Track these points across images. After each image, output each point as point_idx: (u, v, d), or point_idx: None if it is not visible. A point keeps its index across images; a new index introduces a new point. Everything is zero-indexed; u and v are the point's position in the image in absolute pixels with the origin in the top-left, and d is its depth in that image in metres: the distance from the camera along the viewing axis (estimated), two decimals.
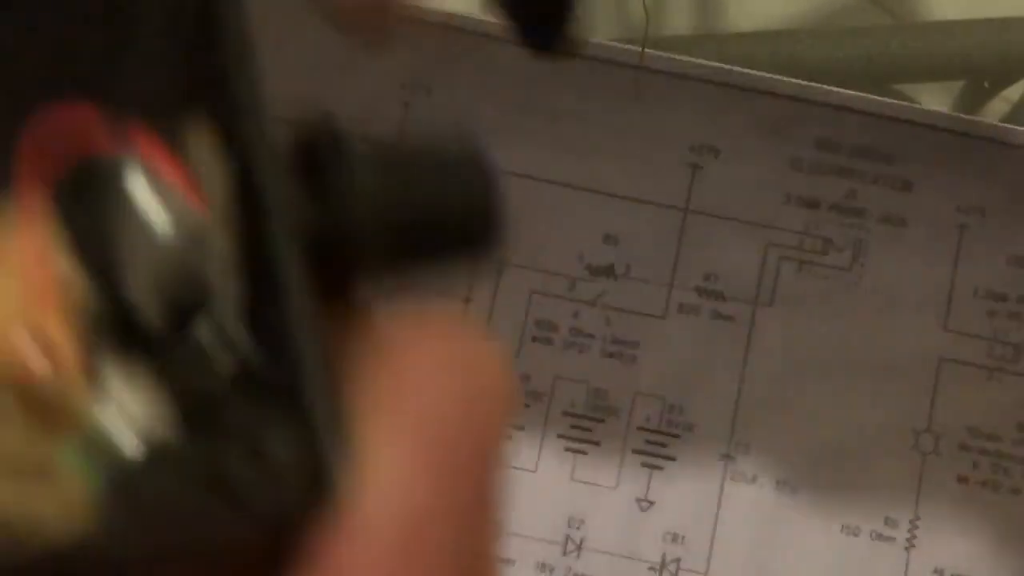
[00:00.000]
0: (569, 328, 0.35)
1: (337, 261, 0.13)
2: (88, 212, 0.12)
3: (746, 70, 0.36)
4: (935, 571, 0.34)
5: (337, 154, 0.13)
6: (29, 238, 0.12)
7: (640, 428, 0.35)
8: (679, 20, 0.43)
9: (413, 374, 0.13)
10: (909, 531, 0.34)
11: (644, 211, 0.35)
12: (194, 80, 0.13)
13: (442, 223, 0.14)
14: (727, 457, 0.35)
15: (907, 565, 0.34)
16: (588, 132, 0.35)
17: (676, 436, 0.35)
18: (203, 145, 0.13)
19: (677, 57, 0.35)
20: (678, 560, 0.34)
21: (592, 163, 0.35)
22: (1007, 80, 0.40)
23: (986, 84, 0.41)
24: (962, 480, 0.35)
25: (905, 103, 0.36)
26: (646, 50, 0.35)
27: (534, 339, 0.35)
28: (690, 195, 0.35)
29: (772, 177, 0.35)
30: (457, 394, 0.13)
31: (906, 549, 0.34)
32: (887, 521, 0.35)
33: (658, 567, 0.34)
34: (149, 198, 0.12)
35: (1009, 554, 0.35)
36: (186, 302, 0.12)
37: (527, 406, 0.35)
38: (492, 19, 0.35)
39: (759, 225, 0.35)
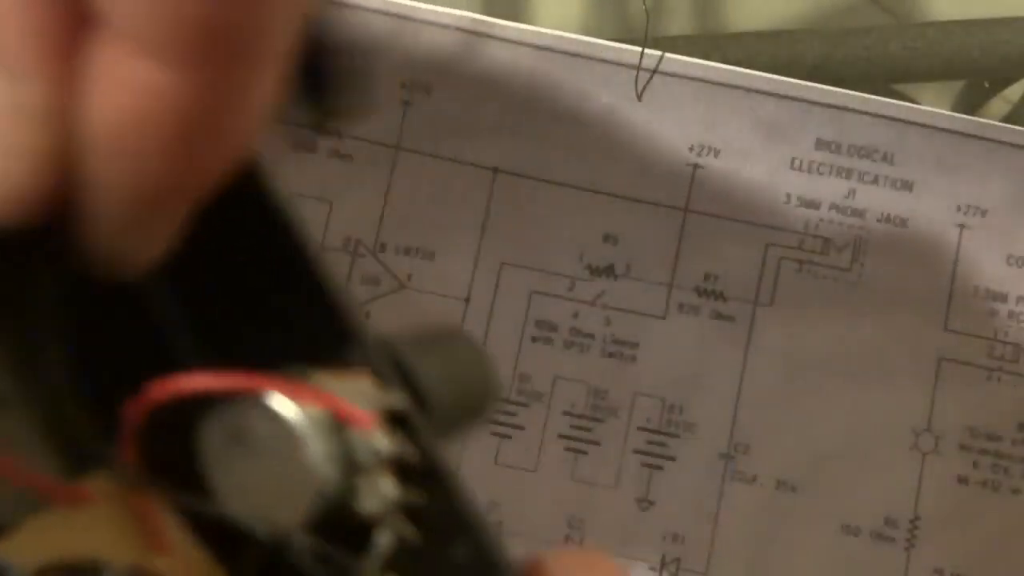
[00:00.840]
0: (569, 328, 0.35)
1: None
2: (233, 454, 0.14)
3: (746, 70, 0.36)
4: (935, 571, 0.34)
5: (409, 359, 0.15)
6: (139, 490, 0.14)
7: (640, 428, 0.35)
8: (679, 20, 0.43)
9: None
10: (909, 531, 0.34)
11: (644, 211, 0.35)
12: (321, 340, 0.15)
13: (475, 396, 0.16)
14: (727, 457, 0.35)
15: (907, 565, 0.34)
16: (588, 132, 0.35)
17: (676, 436, 0.35)
18: (344, 380, 0.14)
19: (677, 57, 0.35)
20: (678, 560, 0.34)
21: (592, 163, 0.35)
22: (1007, 80, 0.40)
23: (986, 84, 0.41)
24: (962, 480, 0.35)
25: (905, 103, 0.36)
26: (646, 50, 0.35)
27: (534, 339, 0.35)
28: (690, 195, 0.35)
29: (772, 177, 0.36)
30: None
31: (906, 549, 0.34)
32: (887, 521, 0.35)
33: (658, 567, 0.34)
34: (296, 418, 0.14)
35: (1009, 554, 0.35)
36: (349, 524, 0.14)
37: (527, 406, 0.35)
38: (492, 19, 0.35)
39: (759, 225, 0.35)
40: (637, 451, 0.35)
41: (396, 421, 0.14)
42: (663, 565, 0.34)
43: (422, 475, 0.14)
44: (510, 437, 0.35)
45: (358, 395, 0.14)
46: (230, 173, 0.13)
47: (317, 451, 0.14)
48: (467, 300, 0.35)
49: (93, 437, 0.14)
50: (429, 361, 0.15)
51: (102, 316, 0.15)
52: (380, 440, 0.14)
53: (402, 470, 0.14)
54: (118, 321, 0.15)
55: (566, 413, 0.35)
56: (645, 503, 0.35)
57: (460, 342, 0.16)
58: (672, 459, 0.35)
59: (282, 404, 0.14)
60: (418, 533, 0.14)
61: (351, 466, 0.14)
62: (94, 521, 0.14)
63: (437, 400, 0.15)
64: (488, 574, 0.14)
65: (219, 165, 0.13)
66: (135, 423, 0.14)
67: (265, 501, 0.14)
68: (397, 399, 0.14)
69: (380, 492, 0.14)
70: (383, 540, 0.14)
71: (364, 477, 0.14)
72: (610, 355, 0.35)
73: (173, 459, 0.14)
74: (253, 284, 0.15)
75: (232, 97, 0.12)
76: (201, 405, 0.14)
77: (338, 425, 0.14)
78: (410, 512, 0.14)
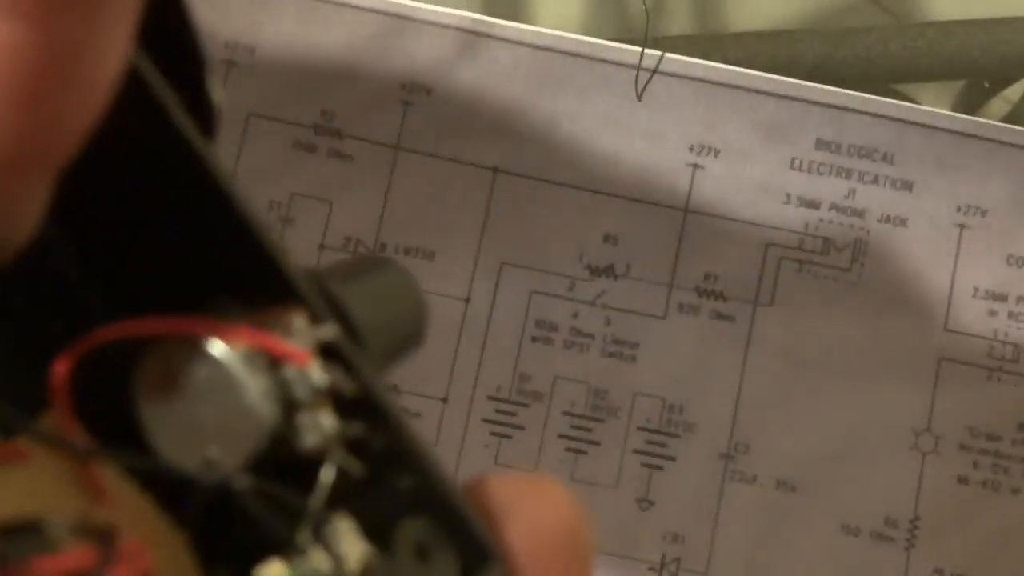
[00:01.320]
0: (569, 328, 0.35)
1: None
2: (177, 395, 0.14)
3: (746, 70, 0.36)
4: (935, 571, 0.34)
5: (339, 288, 0.15)
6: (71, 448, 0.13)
7: (640, 428, 0.35)
8: (679, 20, 0.43)
9: (523, 541, 0.14)
10: (909, 531, 0.34)
11: (644, 211, 0.35)
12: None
13: (407, 324, 0.16)
14: (727, 457, 0.35)
15: (907, 565, 0.34)
16: (588, 132, 0.35)
17: (676, 436, 0.35)
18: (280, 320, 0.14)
19: (677, 57, 0.35)
20: (678, 560, 0.34)
21: (592, 163, 0.35)
22: (1007, 80, 0.40)
23: (986, 84, 0.41)
24: (962, 480, 0.35)
25: (905, 103, 0.36)
26: (646, 50, 0.35)
27: (534, 339, 0.35)
28: (690, 195, 0.35)
29: (772, 177, 0.36)
30: (560, 556, 0.14)
31: (906, 549, 0.34)
32: (887, 521, 0.35)
33: (658, 567, 0.34)
34: (237, 366, 0.13)
35: (1009, 554, 0.35)
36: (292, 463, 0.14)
37: (527, 406, 0.35)
38: (492, 19, 0.35)
39: (759, 225, 0.35)
40: (637, 451, 0.35)
41: (331, 354, 0.14)
42: (663, 565, 0.34)
43: (362, 407, 0.14)
44: (510, 437, 0.35)
45: (290, 330, 0.14)
46: (89, 135, 0.12)
47: (254, 390, 0.13)
48: (467, 300, 0.35)
49: (11, 410, 0.13)
50: (358, 291, 0.15)
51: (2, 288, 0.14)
52: (316, 374, 0.13)
53: (341, 403, 0.14)
54: (19, 287, 0.14)
55: (566, 413, 0.35)
56: (645, 503, 0.35)
57: (387, 269, 0.16)
58: (672, 459, 0.35)
59: (214, 345, 0.13)
60: (362, 466, 0.14)
61: (289, 403, 0.13)
62: (32, 478, 0.13)
63: (370, 330, 0.15)
64: (434, 501, 0.14)
65: (75, 126, 0.12)
66: (64, 381, 0.13)
67: (205, 445, 0.14)
68: (330, 332, 0.14)
69: (320, 427, 0.14)
70: (327, 475, 0.14)
71: (303, 413, 0.14)
72: (610, 355, 0.35)
73: (106, 417, 0.14)
74: (166, 225, 0.14)
75: (79, 47, 0.11)
76: (130, 356, 0.14)
77: (273, 362, 0.13)
78: (352, 445, 0.14)
